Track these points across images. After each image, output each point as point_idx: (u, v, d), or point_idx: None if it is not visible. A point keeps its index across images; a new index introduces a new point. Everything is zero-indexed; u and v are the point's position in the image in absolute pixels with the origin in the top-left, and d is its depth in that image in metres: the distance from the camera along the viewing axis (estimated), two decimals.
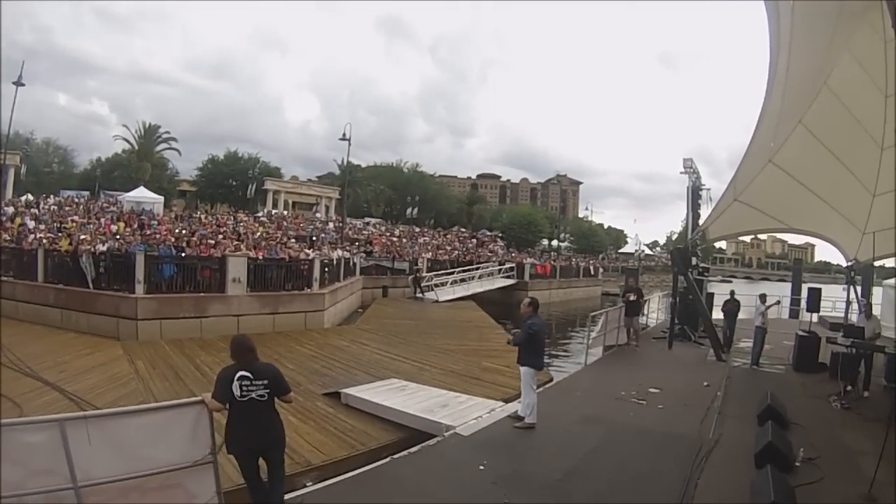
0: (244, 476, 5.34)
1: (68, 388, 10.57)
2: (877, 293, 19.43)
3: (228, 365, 5.24)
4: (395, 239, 44.76)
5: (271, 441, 5.33)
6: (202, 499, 5.07)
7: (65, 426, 4.39)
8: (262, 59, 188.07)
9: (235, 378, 5.04)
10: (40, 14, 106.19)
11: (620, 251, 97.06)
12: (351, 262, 27.81)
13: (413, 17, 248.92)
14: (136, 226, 25.61)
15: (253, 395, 5.08)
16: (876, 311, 13.77)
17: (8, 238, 21.18)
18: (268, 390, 5.17)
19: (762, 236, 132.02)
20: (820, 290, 16.48)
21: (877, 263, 18.38)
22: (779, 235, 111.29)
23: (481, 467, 6.97)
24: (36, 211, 27.88)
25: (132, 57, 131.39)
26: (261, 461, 5.39)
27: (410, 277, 32.53)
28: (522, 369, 8.71)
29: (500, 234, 66.85)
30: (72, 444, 4.37)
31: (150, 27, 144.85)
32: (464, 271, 35.59)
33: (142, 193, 37.61)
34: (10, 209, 26.69)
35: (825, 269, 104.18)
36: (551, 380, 12.95)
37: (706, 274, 21.05)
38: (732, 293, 17.37)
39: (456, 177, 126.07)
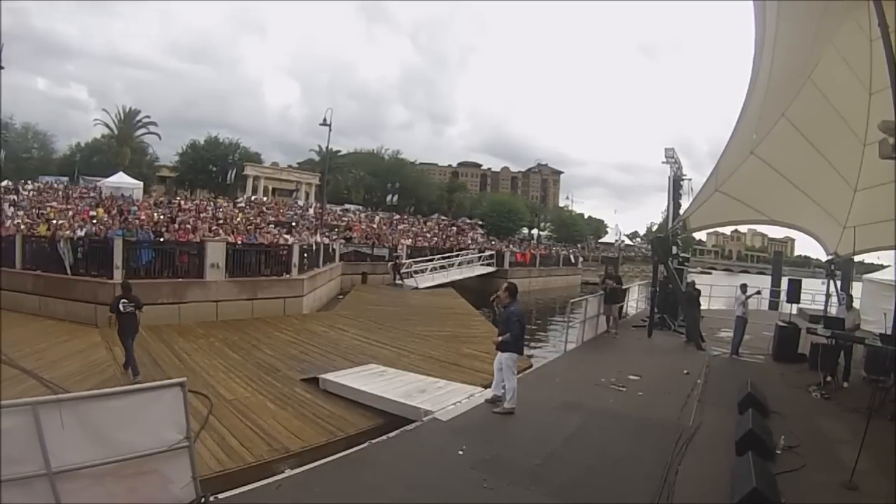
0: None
1: (46, 375, 10.38)
2: (856, 287, 19.58)
3: (118, 294, 11.17)
4: (374, 225, 44.55)
5: (134, 332, 10.98)
6: (178, 484, 4.99)
7: (38, 410, 4.28)
8: (242, 43, 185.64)
9: (120, 301, 10.82)
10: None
11: (600, 241, 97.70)
12: (330, 249, 27.67)
13: (393, 2, 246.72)
14: (115, 211, 25.19)
15: (128, 309, 10.80)
16: (856, 304, 13.84)
17: None
18: (134, 308, 10.89)
19: (742, 229, 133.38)
20: (800, 281, 16.58)
21: (856, 258, 18.53)
22: (759, 228, 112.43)
23: (460, 452, 6.89)
24: (14, 197, 27.52)
25: (110, 40, 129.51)
26: None
27: (390, 264, 32.30)
28: (504, 355, 8.65)
29: (480, 222, 66.64)
30: (45, 429, 4.26)
31: (128, 9, 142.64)
32: (443, 258, 35.44)
33: (121, 179, 37.23)
34: None
35: (805, 263, 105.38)
36: (531, 366, 12.90)
37: (686, 263, 21.09)
38: (693, 282, 17.54)
39: (436, 164, 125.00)
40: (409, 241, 38.77)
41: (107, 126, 62.57)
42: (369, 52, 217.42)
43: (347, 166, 76.25)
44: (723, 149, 13.83)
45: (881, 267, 20.80)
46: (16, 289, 16.97)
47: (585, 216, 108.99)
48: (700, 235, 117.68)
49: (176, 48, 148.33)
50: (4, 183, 32.98)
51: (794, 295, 16.14)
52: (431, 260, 34.14)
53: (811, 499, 5.97)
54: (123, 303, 10.77)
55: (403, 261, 32.57)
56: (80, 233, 18.12)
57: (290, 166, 78.01)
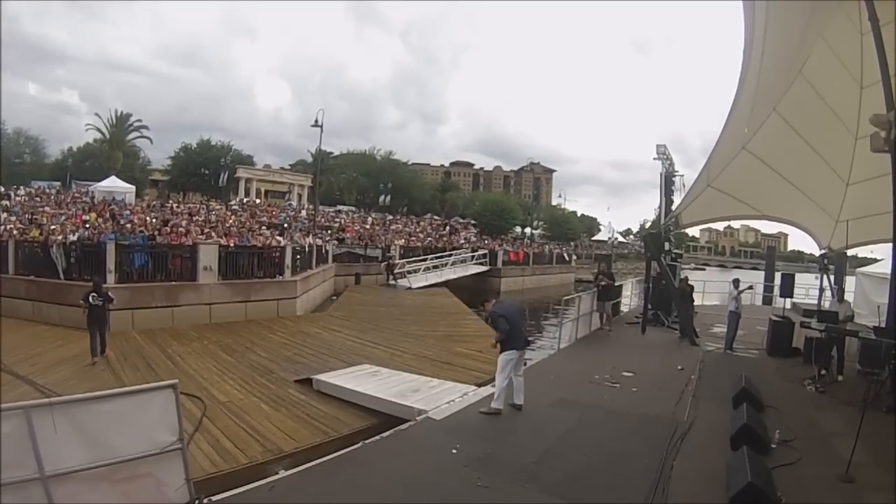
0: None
1: (40, 380, 10.42)
2: (849, 282, 19.60)
3: (88, 290, 12.29)
4: (367, 226, 44.56)
5: (102, 323, 12.48)
6: (172, 486, 4.99)
7: (30, 414, 4.26)
8: (233, 45, 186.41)
9: (90, 295, 12.11)
10: (6, 2, 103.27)
11: (594, 239, 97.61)
12: (323, 250, 27.68)
13: (384, 1, 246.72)
14: (107, 216, 25.13)
15: (96, 302, 12.13)
16: (849, 298, 13.88)
17: None
18: (102, 301, 12.28)
19: (735, 225, 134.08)
20: (793, 275, 16.61)
21: (849, 252, 18.57)
22: (752, 224, 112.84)
23: (454, 451, 6.85)
24: (7, 203, 27.47)
25: (101, 44, 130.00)
26: None
27: (383, 264, 32.29)
28: (500, 355, 8.59)
29: (472, 222, 66.57)
30: (38, 433, 4.25)
31: (119, 13, 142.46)
32: (436, 258, 35.48)
33: (113, 183, 37.33)
34: None
35: (798, 258, 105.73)
36: (524, 364, 12.86)
37: (679, 260, 21.09)
38: (686, 278, 17.55)
39: (429, 164, 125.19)
40: (402, 242, 38.81)
41: (99, 130, 62.34)
42: (360, 52, 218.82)
43: (340, 167, 76.26)
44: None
45: (874, 260, 20.85)
46: (9, 294, 16.86)
47: (578, 214, 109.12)
48: (693, 232, 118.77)
49: (167, 52, 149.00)
50: None
51: (788, 289, 16.17)
52: (424, 260, 34.27)
53: (807, 492, 5.95)
54: (93, 296, 12.24)
55: (397, 261, 32.56)
56: (73, 237, 18.05)
57: (282, 168, 78.08)
